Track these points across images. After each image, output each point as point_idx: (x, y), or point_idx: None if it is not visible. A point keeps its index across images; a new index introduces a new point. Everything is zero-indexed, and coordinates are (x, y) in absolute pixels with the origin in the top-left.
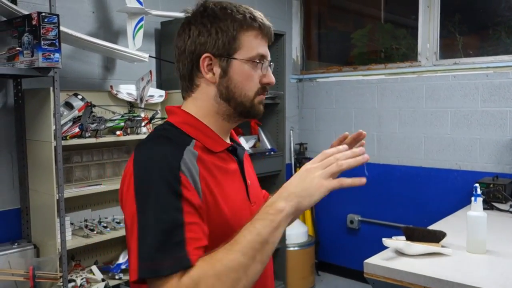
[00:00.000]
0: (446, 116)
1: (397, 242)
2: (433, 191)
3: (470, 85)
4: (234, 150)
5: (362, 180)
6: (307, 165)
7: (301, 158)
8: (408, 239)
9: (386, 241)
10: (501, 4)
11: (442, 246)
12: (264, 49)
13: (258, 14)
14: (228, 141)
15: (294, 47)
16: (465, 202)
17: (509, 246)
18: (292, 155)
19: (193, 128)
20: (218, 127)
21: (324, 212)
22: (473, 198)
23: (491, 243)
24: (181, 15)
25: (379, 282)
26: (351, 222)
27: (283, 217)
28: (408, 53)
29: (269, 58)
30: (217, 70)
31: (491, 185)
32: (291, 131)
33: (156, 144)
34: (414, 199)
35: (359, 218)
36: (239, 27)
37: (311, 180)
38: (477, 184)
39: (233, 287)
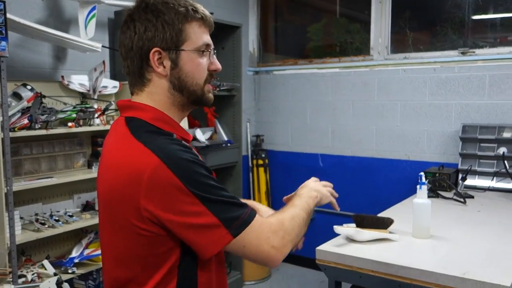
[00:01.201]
0: (396, 109)
1: (347, 229)
2: (383, 180)
3: (419, 79)
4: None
5: (337, 208)
6: (310, 181)
7: (258, 150)
8: (358, 226)
9: (337, 228)
10: (448, 2)
11: (390, 232)
12: (208, 38)
13: (199, 6)
14: None
15: (251, 40)
16: (413, 190)
17: (451, 231)
18: (249, 147)
19: (165, 123)
20: (177, 117)
21: (280, 203)
22: (418, 186)
23: (434, 229)
24: (133, 4)
25: (330, 268)
26: None
27: (316, 203)
28: (362, 48)
29: (212, 46)
30: (167, 63)
31: (437, 174)
32: (248, 123)
33: (165, 140)
34: (366, 189)
35: (315, 209)
36: (183, 19)
37: (323, 189)
38: (422, 173)
39: (301, 232)
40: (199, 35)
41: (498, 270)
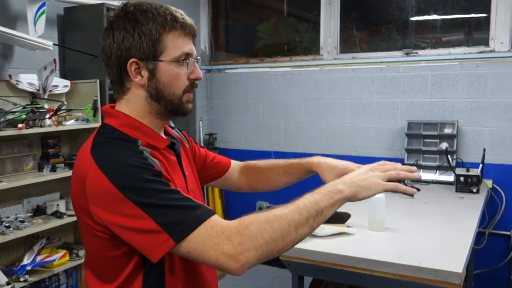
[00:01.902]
0: (346, 106)
1: None
2: None
3: (367, 78)
4: (172, 145)
5: (413, 191)
6: (369, 166)
7: (211, 148)
8: None
9: None
10: (392, 4)
11: (348, 226)
12: (188, 47)
13: (179, 14)
14: (164, 136)
15: (202, 38)
16: None
17: (403, 223)
18: (202, 145)
19: (134, 129)
20: (154, 125)
21: (234, 200)
22: None
23: (388, 221)
24: (85, 1)
25: (294, 263)
26: (260, 208)
27: (341, 198)
28: (311, 47)
29: (194, 54)
30: (144, 73)
31: None
32: (200, 122)
33: (112, 144)
34: (318, 185)
35: (268, 205)
36: (161, 29)
37: (372, 177)
38: None
39: (282, 237)
40: (178, 45)
41: (450, 257)
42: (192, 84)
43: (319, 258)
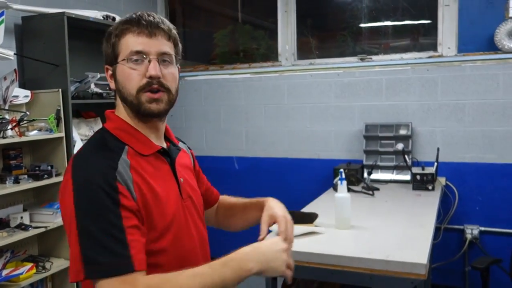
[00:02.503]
0: (305, 111)
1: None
2: (297, 178)
3: (325, 83)
4: (165, 152)
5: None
6: (283, 246)
7: None
8: None
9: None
10: (346, 12)
11: (316, 226)
12: (141, 45)
13: (138, 15)
14: (161, 141)
15: None
16: (325, 186)
17: (367, 221)
18: None
19: (125, 133)
20: (142, 127)
21: None
22: (339, 182)
23: (353, 220)
24: (44, 10)
25: None
26: None
27: (248, 275)
28: (268, 53)
29: (154, 51)
30: (113, 77)
31: (346, 170)
32: None
33: (93, 156)
34: (281, 187)
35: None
36: (117, 34)
37: (281, 260)
38: (342, 170)
39: None
40: (130, 45)
41: (414, 251)
42: (149, 83)
43: (292, 257)
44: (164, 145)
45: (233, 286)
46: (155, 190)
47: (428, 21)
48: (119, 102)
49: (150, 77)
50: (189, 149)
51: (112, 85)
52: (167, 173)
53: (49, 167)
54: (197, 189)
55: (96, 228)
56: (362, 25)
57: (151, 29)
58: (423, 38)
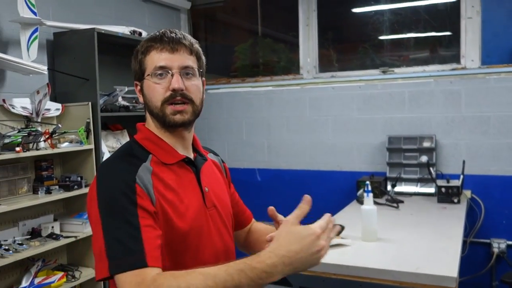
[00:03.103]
0: (327, 123)
1: None
2: (319, 190)
3: (347, 96)
4: (190, 162)
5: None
6: (317, 231)
7: None
8: None
9: None
10: (367, 25)
11: (342, 238)
12: (164, 61)
13: (161, 32)
14: (188, 151)
15: None
16: (347, 199)
17: (393, 233)
18: None
19: (151, 142)
20: (168, 138)
21: None
22: (365, 194)
23: (379, 232)
24: (75, 26)
25: (295, 276)
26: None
27: (270, 280)
28: (288, 66)
29: (177, 66)
30: (141, 92)
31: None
32: None
33: (118, 162)
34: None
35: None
36: (142, 52)
37: (314, 259)
38: (368, 182)
39: None
40: (154, 61)
41: (443, 264)
42: (172, 95)
43: (319, 269)
44: (191, 155)
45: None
46: (175, 197)
47: (450, 33)
48: (148, 115)
49: (173, 90)
50: (223, 162)
51: (141, 99)
52: (191, 182)
53: (79, 178)
54: (225, 200)
55: (116, 227)
56: (383, 37)
57: (173, 45)
58: (445, 50)
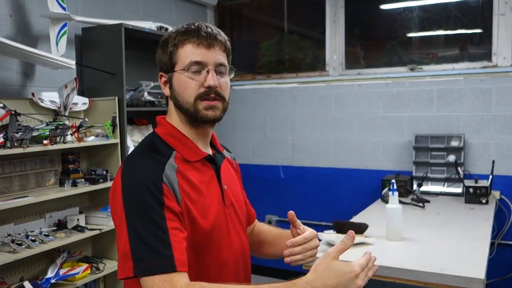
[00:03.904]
0: (353, 121)
1: (329, 235)
2: (343, 189)
3: (373, 93)
4: (211, 159)
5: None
6: (356, 270)
7: None
8: (338, 232)
9: (320, 234)
10: (396, 22)
11: (366, 237)
12: (200, 56)
13: (196, 26)
14: (207, 148)
15: None
16: (372, 197)
17: (418, 233)
18: None
19: (174, 138)
20: (191, 134)
21: None
22: (390, 193)
23: (404, 232)
24: (103, 21)
25: None
26: (269, 222)
27: None
28: (314, 63)
29: (212, 62)
30: (167, 84)
31: (395, 178)
32: None
33: (143, 158)
34: (327, 197)
35: (277, 218)
36: (175, 44)
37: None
38: (393, 180)
39: None
40: (188, 55)
41: (470, 265)
42: (207, 92)
43: None
44: (210, 151)
45: None
46: (199, 195)
47: (481, 31)
48: (171, 108)
49: (209, 87)
50: (234, 159)
51: (167, 92)
52: (212, 179)
53: (104, 172)
54: (240, 198)
55: (142, 227)
56: (411, 34)
57: (210, 40)
58: (476, 48)
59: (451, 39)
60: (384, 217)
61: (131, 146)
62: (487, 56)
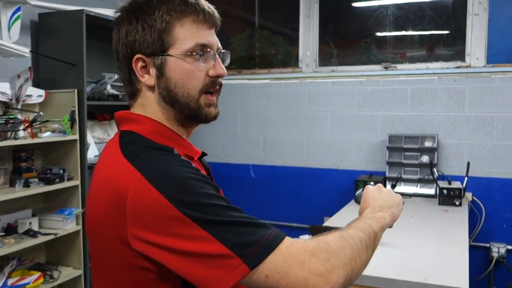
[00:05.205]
0: (326, 119)
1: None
2: (316, 189)
3: (347, 91)
4: (202, 156)
5: None
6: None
7: None
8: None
9: None
10: (370, 20)
11: None
12: (205, 38)
13: None
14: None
15: None
16: (345, 197)
17: (395, 238)
18: None
19: (165, 137)
20: (180, 133)
21: None
22: None
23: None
24: (63, 7)
25: None
26: None
27: (384, 225)
28: (286, 60)
29: (216, 46)
30: (153, 71)
31: (368, 182)
32: None
33: (159, 155)
34: (299, 198)
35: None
36: (169, 17)
37: (395, 197)
38: (372, 183)
39: (359, 255)
40: (191, 35)
41: (452, 274)
42: (213, 83)
43: None
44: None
45: (379, 236)
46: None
47: (455, 31)
48: (149, 102)
49: (218, 76)
50: None
51: (149, 81)
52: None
53: (61, 171)
54: None
55: (219, 215)
56: (386, 33)
57: (214, 21)
58: (449, 48)
59: (426, 38)
60: None
61: (91, 143)
62: (461, 56)
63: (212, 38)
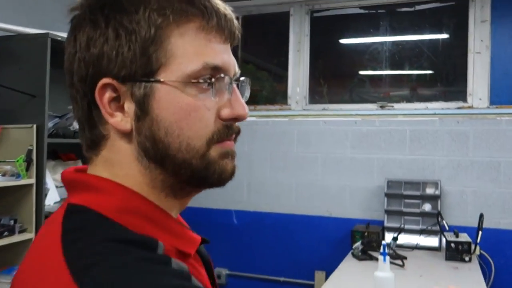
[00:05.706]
0: (317, 162)
1: None
2: (306, 239)
3: (340, 131)
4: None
5: None
6: None
7: None
8: None
9: None
10: (365, 55)
11: None
12: (219, 56)
13: None
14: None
15: None
16: (340, 249)
17: None
18: None
19: (142, 219)
20: (164, 204)
21: None
22: (381, 257)
23: None
24: (25, 30)
25: None
26: (218, 277)
27: None
28: (272, 97)
29: (233, 70)
30: (129, 106)
31: (366, 234)
32: None
33: (132, 262)
34: (287, 249)
35: (227, 272)
36: (161, 20)
37: None
38: (385, 242)
39: None
40: (197, 50)
41: None
42: (228, 129)
43: None
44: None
45: None
46: None
47: (456, 69)
48: (123, 157)
49: (235, 119)
50: None
51: (124, 124)
52: (206, 280)
53: (12, 222)
54: None
55: None
56: (382, 72)
57: (231, 27)
58: (450, 87)
59: (424, 76)
60: (365, 279)
61: (52, 187)
62: (462, 96)
63: (228, 57)
